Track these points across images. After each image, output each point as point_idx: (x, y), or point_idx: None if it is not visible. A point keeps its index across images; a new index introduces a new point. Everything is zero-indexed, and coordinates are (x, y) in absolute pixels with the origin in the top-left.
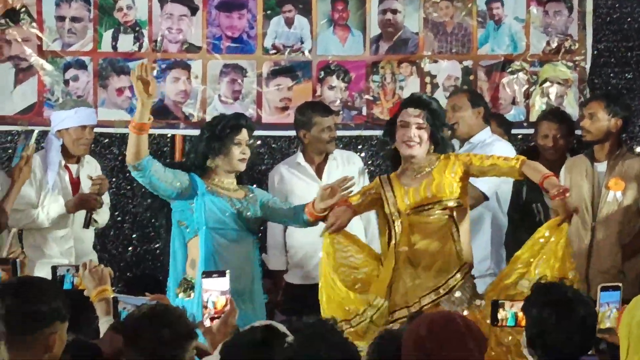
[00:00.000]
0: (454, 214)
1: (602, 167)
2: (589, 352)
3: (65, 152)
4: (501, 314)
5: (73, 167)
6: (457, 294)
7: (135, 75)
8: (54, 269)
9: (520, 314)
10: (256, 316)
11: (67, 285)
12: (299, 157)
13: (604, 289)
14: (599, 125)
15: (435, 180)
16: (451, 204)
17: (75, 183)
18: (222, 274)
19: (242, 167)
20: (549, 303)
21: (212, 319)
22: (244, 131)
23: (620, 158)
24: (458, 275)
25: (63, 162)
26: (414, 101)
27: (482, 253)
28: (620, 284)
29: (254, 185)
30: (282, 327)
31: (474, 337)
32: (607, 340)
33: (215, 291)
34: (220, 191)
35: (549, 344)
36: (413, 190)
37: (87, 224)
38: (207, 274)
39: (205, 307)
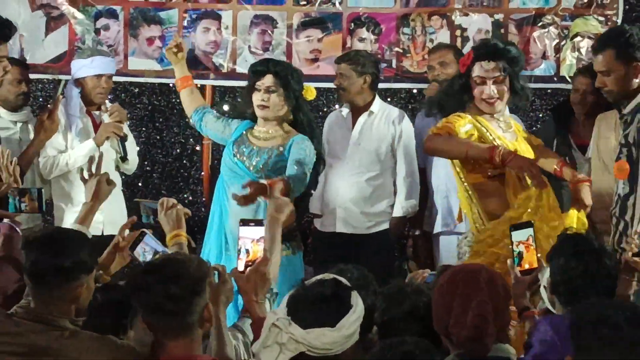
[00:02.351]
0: None
1: None
2: None
3: (86, 99)
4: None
5: (95, 114)
6: None
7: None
8: (137, 204)
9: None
10: None
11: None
12: (344, 106)
13: None
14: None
15: (520, 140)
16: None
17: (99, 128)
18: (259, 222)
19: (262, 114)
20: (577, 252)
21: (245, 266)
22: (268, 77)
23: None
24: None
25: (84, 109)
26: (489, 53)
27: None
28: None
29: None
30: (345, 281)
31: (493, 291)
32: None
33: (250, 239)
34: (252, 140)
35: (573, 292)
36: (512, 144)
37: (124, 153)
38: (244, 222)
39: (240, 254)
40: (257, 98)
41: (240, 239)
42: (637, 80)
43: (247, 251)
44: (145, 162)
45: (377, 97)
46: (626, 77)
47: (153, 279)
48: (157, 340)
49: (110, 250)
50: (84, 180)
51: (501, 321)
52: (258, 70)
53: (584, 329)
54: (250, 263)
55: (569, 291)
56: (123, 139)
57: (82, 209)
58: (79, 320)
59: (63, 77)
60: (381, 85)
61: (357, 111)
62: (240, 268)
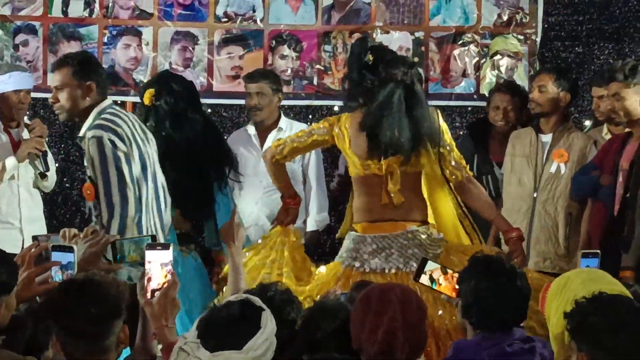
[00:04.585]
0: None
1: (547, 138)
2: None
3: (3, 116)
4: (425, 274)
5: (13, 131)
6: None
7: None
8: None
9: (442, 280)
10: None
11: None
12: (249, 124)
13: (584, 255)
14: (548, 97)
15: None
16: None
17: (17, 145)
18: (165, 246)
19: None
20: (488, 274)
21: (153, 291)
22: None
23: (566, 131)
24: None
25: (1, 126)
26: None
27: None
28: (598, 251)
29: None
30: (258, 301)
31: (405, 307)
32: None
33: (157, 263)
34: None
35: (485, 313)
36: None
37: (46, 169)
38: (151, 246)
39: (147, 279)
40: None
41: (148, 263)
42: (89, 100)
43: (155, 276)
44: (65, 179)
45: (281, 113)
46: (78, 95)
47: (72, 301)
48: None
49: (25, 283)
50: None
51: (413, 337)
52: None
53: None
54: (157, 288)
55: (481, 313)
56: (44, 155)
57: None
58: None
59: None
60: (302, 102)
61: (263, 129)
62: (148, 294)
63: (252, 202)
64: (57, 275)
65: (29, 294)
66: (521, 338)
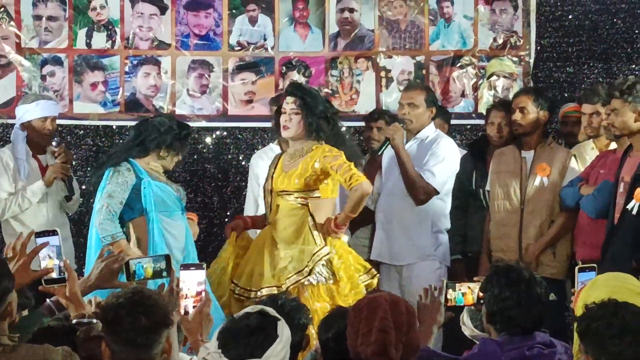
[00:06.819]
0: (308, 202)
1: (529, 154)
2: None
3: (32, 143)
4: (451, 295)
5: (41, 157)
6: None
7: None
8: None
9: (469, 293)
10: None
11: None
12: (273, 144)
13: (581, 269)
14: (529, 118)
15: (298, 170)
16: (296, 195)
17: (45, 170)
18: (199, 266)
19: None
20: (509, 283)
21: (186, 308)
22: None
23: (547, 146)
24: (316, 258)
25: (31, 153)
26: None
27: (426, 239)
28: (595, 265)
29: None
30: (272, 311)
31: (394, 309)
32: None
33: (192, 282)
34: (159, 176)
35: (508, 320)
36: (288, 174)
37: (70, 191)
38: (185, 266)
39: (183, 297)
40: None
41: (182, 282)
42: None
43: (190, 294)
44: (91, 200)
45: None
46: None
47: (124, 311)
48: None
49: (20, 270)
50: (8, 259)
51: (406, 338)
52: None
53: None
54: (192, 305)
55: (504, 320)
56: (70, 180)
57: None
58: (14, 336)
59: (11, 121)
60: None
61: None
62: (182, 311)
63: None
64: (45, 261)
65: (26, 279)
66: (543, 342)
